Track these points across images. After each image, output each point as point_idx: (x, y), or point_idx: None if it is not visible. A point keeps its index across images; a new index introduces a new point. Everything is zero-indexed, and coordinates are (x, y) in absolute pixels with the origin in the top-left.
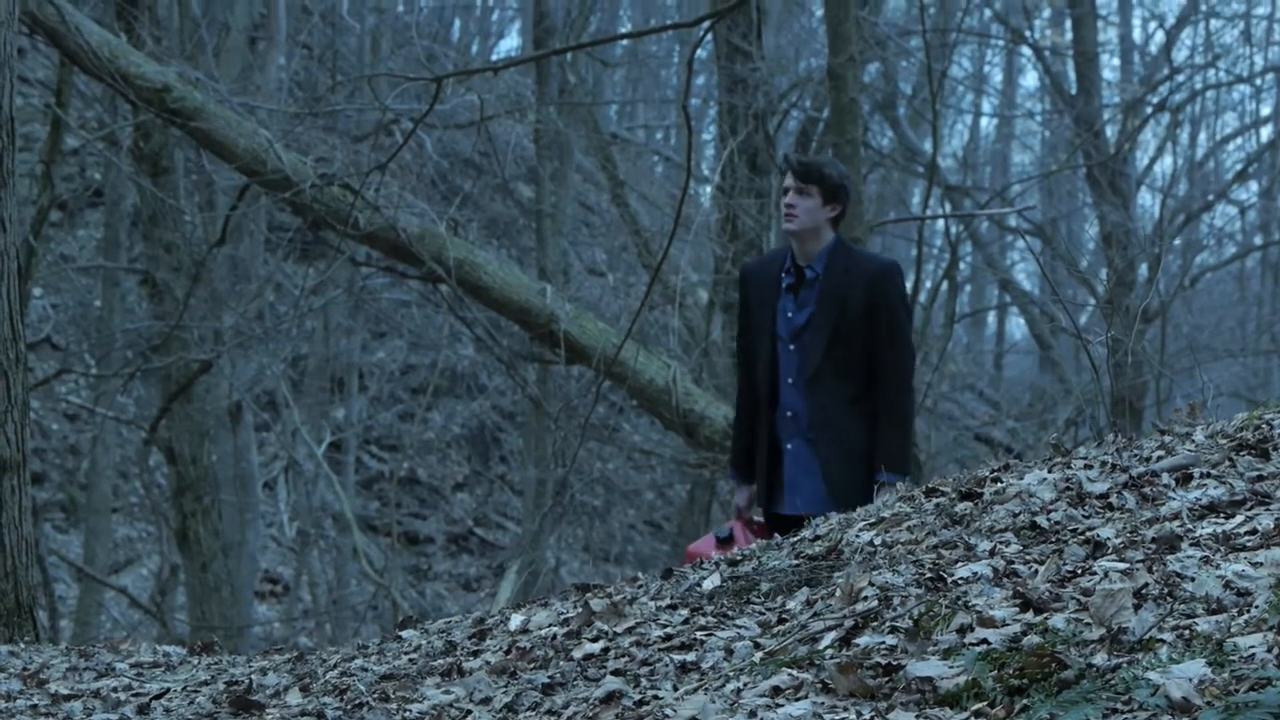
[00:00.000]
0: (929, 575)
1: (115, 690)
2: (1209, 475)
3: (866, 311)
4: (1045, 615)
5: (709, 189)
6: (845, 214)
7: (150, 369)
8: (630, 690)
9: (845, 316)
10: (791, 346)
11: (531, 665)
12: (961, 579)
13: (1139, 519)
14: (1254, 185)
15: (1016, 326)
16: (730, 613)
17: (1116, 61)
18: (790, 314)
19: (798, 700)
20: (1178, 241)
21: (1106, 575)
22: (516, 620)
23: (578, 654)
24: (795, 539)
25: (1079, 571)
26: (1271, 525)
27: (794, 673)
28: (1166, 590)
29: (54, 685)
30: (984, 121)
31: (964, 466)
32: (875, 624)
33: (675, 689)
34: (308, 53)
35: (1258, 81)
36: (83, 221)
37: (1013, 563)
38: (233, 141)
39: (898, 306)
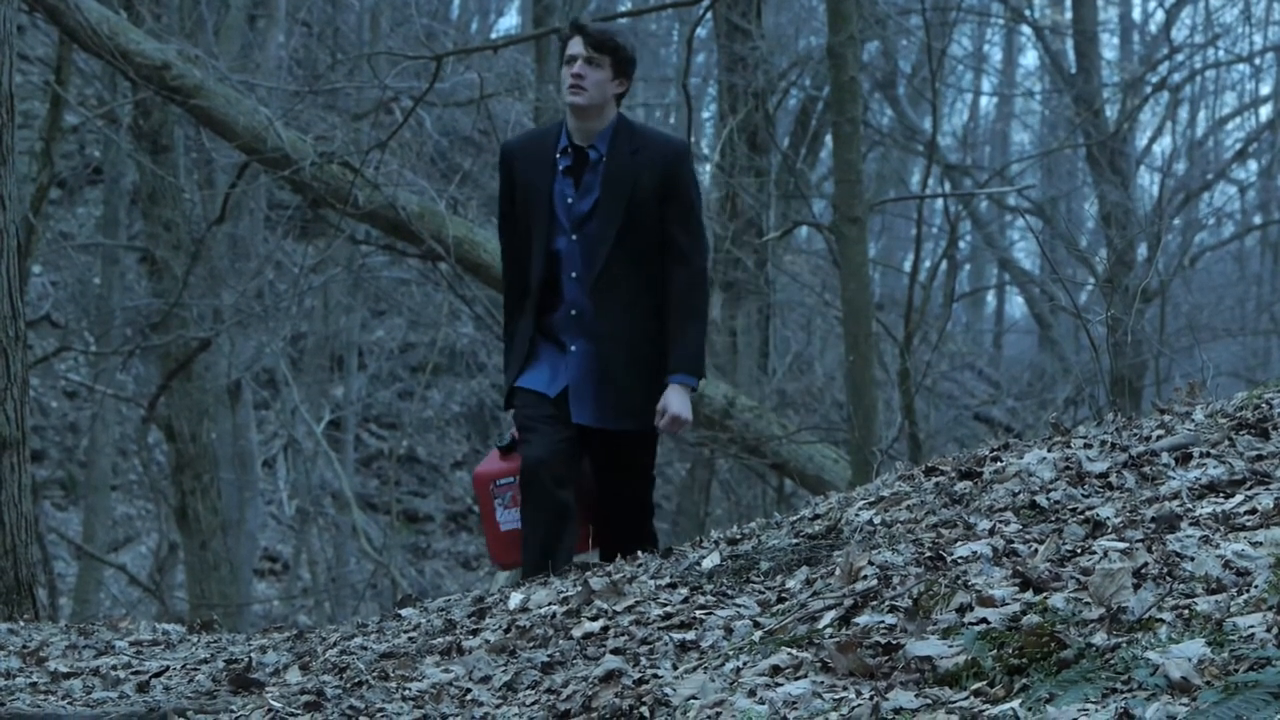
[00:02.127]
0: (928, 554)
1: (115, 668)
2: (1208, 455)
3: (659, 197)
4: (1045, 594)
5: (709, 167)
6: (628, 93)
7: (150, 347)
8: (630, 669)
9: (636, 202)
10: (574, 237)
11: (531, 644)
12: (961, 558)
13: (1138, 498)
14: (1253, 164)
15: (1016, 305)
16: (730, 591)
17: (1116, 40)
18: (570, 200)
19: (797, 679)
20: (1177, 221)
21: (1106, 555)
22: (516, 599)
23: (577, 633)
24: (794, 518)
25: (1078, 551)
26: (1271, 505)
27: (793, 652)
28: (1166, 570)
29: (53, 663)
30: (984, 100)
31: (963, 446)
32: (875, 603)
33: (675, 668)
34: (307, 30)
35: (1257, 61)
36: (82, 199)
37: (1012, 542)
38: (232, 119)
39: (693, 192)
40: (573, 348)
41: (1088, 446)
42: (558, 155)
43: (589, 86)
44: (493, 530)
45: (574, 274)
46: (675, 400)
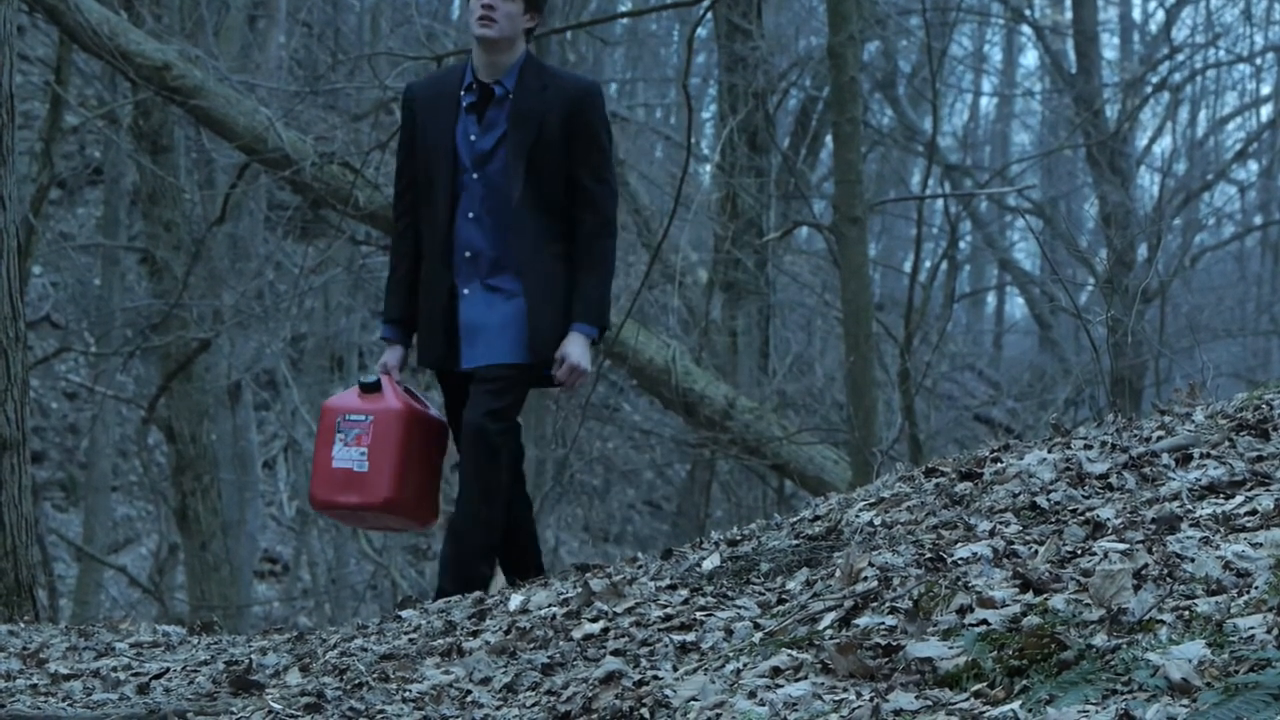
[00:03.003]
0: (929, 556)
1: (115, 670)
2: (1209, 456)
3: (567, 136)
4: (1045, 596)
5: (709, 168)
6: (538, 28)
7: (150, 347)
8: (630, 670)
9: (543, 140)
10: (475, 175)
11: (531, 645)
12: (961, 559)
13: (1139, 499)
14: (1254, 165)
15: (1016, 306)
16: (730, 593)
17: (1116, 40)
18: (474, 137)
19: (797, 681)
20: (1177, 221)
21: (1106, 556)
22: (516, 600)
23: (577, 634)
24: (794, 519)
25: (1079, 552)
26: (1271, 506)
27: (794, 653)
28: (1166, 571)
29: (53, 664)
30: (984, 100)
31: (964, 446)
32: (875, 604)
33: (675, 669)
34: (308, 31)
35: (1258, 61)
36: (82, 199)
37: (1012, 543)
38: (233, 120)
39: (604, 135)
40: (466, 291)
41: (1088, 447)
42: (462, 92)
43: (499, 18)
44: (323, 463)
45: (470, 214)
46: (574, 348)
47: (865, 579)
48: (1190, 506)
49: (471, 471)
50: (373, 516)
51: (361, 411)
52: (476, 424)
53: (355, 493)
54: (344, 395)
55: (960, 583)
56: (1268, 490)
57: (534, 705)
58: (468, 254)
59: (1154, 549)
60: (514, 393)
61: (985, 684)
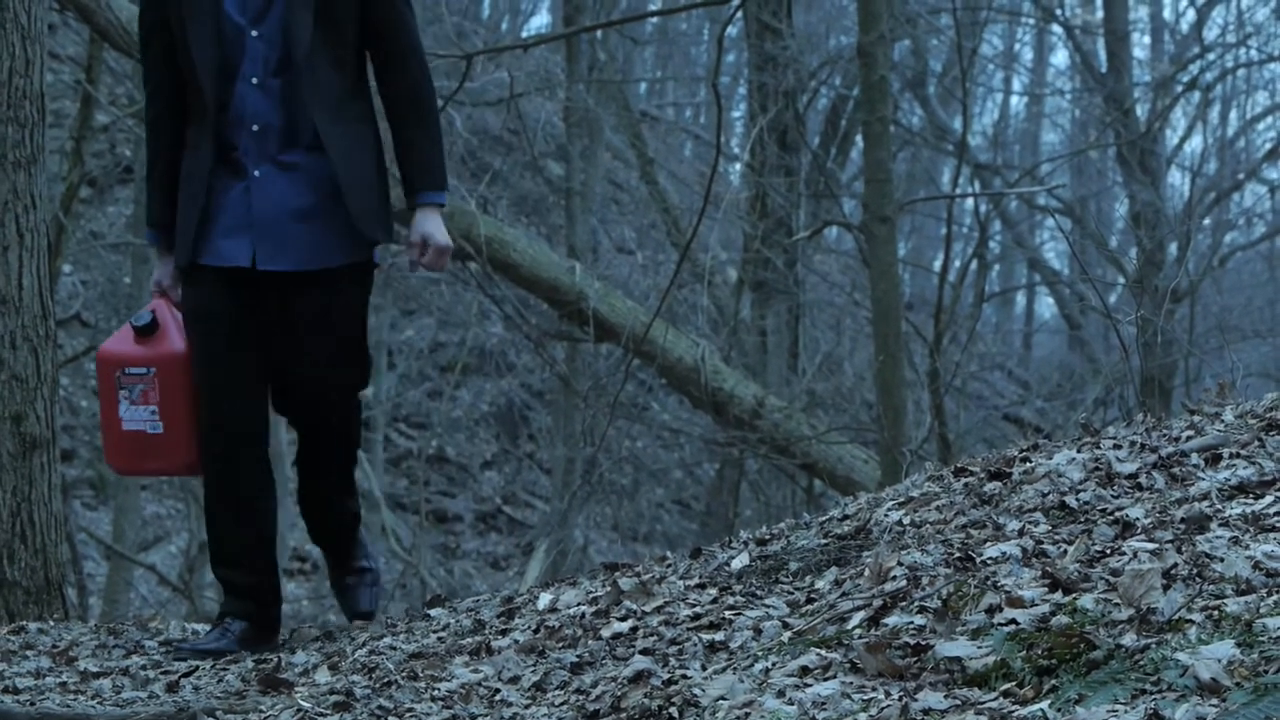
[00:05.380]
0: (958, 555)
1: (144, 668)
2: (1238, 455)
3: None
4: (1074, 595)
5: (739, 167)
6: None
7: None
8: (659, 669)
9: None
10: (255, 33)
11: (560, 644)
12: (990, 559)
13: (1168, 499)
14: None
15: (1046, 306)
16: (759, 592)
17: (1147, 40)
18: None
19: (826, 680)
20: (1207, 221)
21: (1135, 555)
22: (545, 599)
23: (606, 633)
24: (823, 518)
25: (1108, 552)
26: None
27: (822, 652)
28: (1195, 571)
29: (83, 662)
30: (1014, 100)
31: (993, 446)
32: (904, 604)
33: (703, 668)
34: None
35: None
36: (113, 198)
37: (1041, 543)
38: None
39: None
40: (256, 173)
41: (1117, 447)
42: None
43: None
44: (112, 428)
45: (254, 79)
46: (430, 224)
47: (894, 578)
48: (1219, 506)
49: (325, 433)
50: (167, 478)
51: (142, 362)
52: (322, 378)
53: (155, 459)
54: (119, 339)
55: (989, 582)
56: None
57: (563, 704)
58: (255, 128)
59: (1183, 549)
60: (355, 310)
61: (1014, 683)
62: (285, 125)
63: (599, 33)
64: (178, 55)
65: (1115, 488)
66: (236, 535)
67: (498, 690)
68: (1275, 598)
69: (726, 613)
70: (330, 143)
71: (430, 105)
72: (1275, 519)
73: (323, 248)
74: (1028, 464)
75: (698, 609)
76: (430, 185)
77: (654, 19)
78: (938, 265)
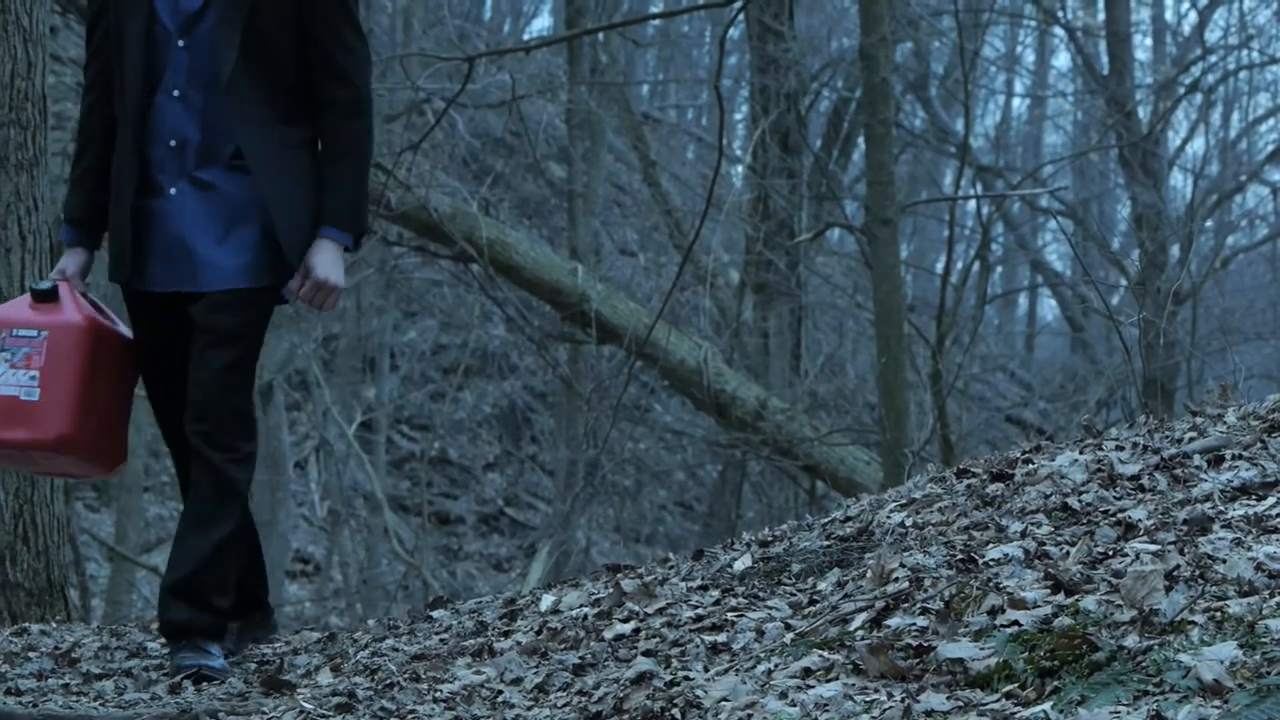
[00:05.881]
0: (960, 557)
1: (147, 669)
2: (1241, 457)
3: None
4: (1076, 597)
5: (741, 169)
6: None
7: None
8: (661, 671)
9: None
10: (181, 43)
11: (562, 646)
12: (993, 560)
13: (1170, 501)
14: None
15: (1048, 308)
16: (761, 594)
17: (1149, 42)
18: None
19: (828, 681)
20: (1210, 223)
21: (1138, 557)
22: (547, 601)
23: (609, 635)
24: (826, 520)
25: (1110, 553)
26: None
27: (825, 654)
28: (1198, 572)
29: (85, 664)
30: (1016, 102)
31: (995, 448)
32: (906, 605)
33: (706, 670)
34: None
35: None
36: None
37: (1044, 544)
38: None
39: None
40: (172, 190)
41: (1120, 449)
42: None
43: None
44: None
45: (176, 92)
46: (322, 260)
47: (896, 580)
48: (1222, 508)
49: (205, 472)
50: (44, 458)
51: (33, 325)
52: (208, 403)
53: (22, 427)
54: (12, 304)
55: (992, 584)
56: None
57: (565, 706)
58: (173, 143)
59: (1186, 550)
60: (250, 335)
61: (1017, 685)
62: (203, 141)
63: (601, 35)
64: (110, 54)
65: (1118, 489)
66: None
67: (500, 691)
68: (1278, 599)
69: (729, 614)
70: (255, 162)
71: (362, 138)
72: (1277, 520)
73: (228, 270)
74: (1030, 465)
75: (700, 610)
76: (337, 222)
77: (656, 21)
78: (940, 267)
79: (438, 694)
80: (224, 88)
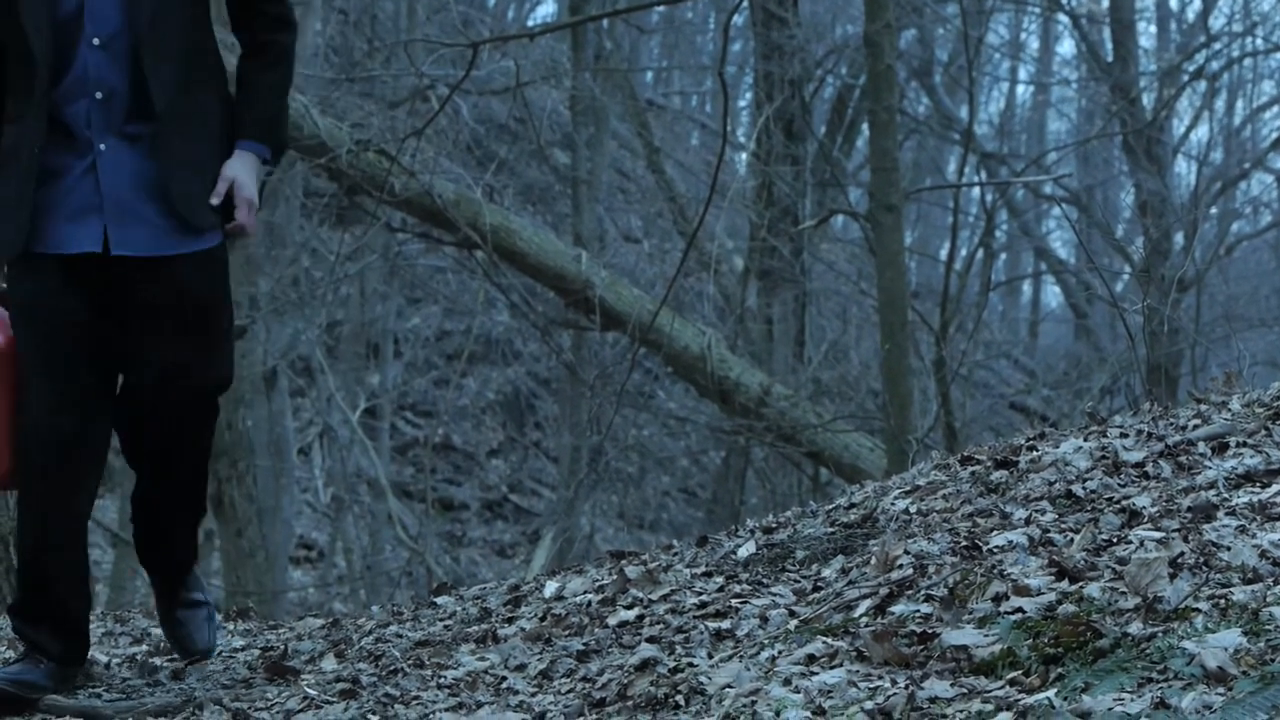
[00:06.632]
0: (964, 544)
1: (150, 655)
2: (1245, 444)
3: None
4: (1080, 584)
5: (745, 155)
6: None
7: None
8: (665, 658)
9: None
10: None
11: (566, 632)
12: (997, 547)
13: (1175, 488)
14: None
15: (1052, 295)
16: (765, 580)
17: (1153, 29)
18: None
19: (832, 668)
20: (1214, 210)
21: (1142, 544)
22: (551, 587)
23: (612, 621)
24: (830, 507)
25: (1114, 540)
26: None
27: (829, 640)
28: (1202, 559)
29: (90, 651)
30: (1020, 89)
31: (999, 435)
32: (910, 592)
33: (710, 656)
34: (344, 18)
35: None
36: None
37: (1048, 531)
38: None
39: None
40: (102, 146)
41: (1124, 436)
42: None
43: None
44: None
45: (96, 40)
46: (239, 167)
47: (900, 567)
48: (1226, 495)
49: (175, 445)
50: None
51: None
52: (173, 380)
53: None
54: None
55: (996, 570)
56: None
57: (569, 692)
58: (98, 95)
59: (1190, 537)
60: (217, 298)
61: (1020, 672)
62: (133, 91)
63: (605, 21)
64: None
65: (1122, 476)
66: (49, 566)
67: (504, 678)
68: None
69: (733, 601)
70: (173, 111)
71: (286, 53)
72: None
73: (179, 229)
74: (1034, 452)
75: (704, 597)
76: (256, 135)
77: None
78: (944, 254)
79: (441, 680)
80: (148, 27)
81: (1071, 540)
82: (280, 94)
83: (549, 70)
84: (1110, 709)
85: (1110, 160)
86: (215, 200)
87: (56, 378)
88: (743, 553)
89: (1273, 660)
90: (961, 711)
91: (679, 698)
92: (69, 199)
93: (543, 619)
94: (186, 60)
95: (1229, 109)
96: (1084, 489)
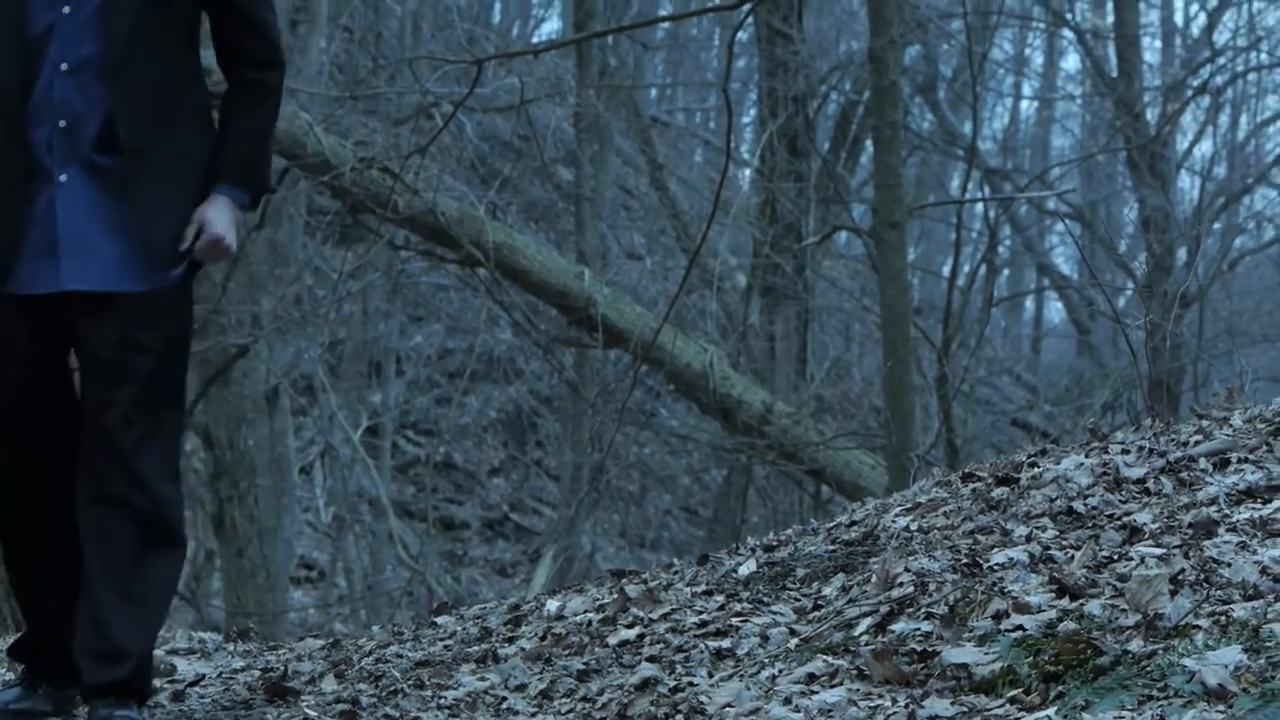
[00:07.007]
0: (965, 561)
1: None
2: (1246, 460)
3: None
4: (1081, 601)
5: (748, 172)
6: None
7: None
8: (665, 677)
9: None
10: (67, 9)
11: (567, 651)
12: (998, 565)
13: (1176, 504)
14: None
15: (1054, 310)
16: (766, 599)
17: (1158, 44)
18: None
19: (833, 687)
20: (1217, 225)
21: (1143, 561)
22: (552, 606)
23: (613, 640)
24: (831, 524)
25: (1115, 557)
26: None
27: (829, 659)
28: (1203, 576)
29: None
30: (1024, 104)
31: (1001, 451)
32: (911, 610)
33: (710, 675)
34: (349, 35)
35: None
36: None
37: (1049, 548)
38: None
39: None
40: (63, 177)
41: (1125, 452)
42: None
43: None
44: None
45: (64, 65)
46: (216, 215)
47: (901, 584)
48: (1227, 511)
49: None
50: None
51: None
52: (116, 429)
53: None
54: None
55: (996, 588)
56: None
57: (569, 712)
58: (63, 123)
59: (1191, 554)
60: (171, 345)
61: (1021, 690)
62: (101, 121)
63: (610, 38)
64: None
65: (1123, 493)
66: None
67: (504, 698)
68: None
69: (733, 620)
70: (145, 143)
71: (273, 93)
72: None
73: (135, 267)
74: (1035, 469)
75: (704, 616)
76: (235, 181)
77: (665, 24)
78: (947, 270)
79: (442, 700)
80: (121, 56)
81: (1072, 557)
82: (264, 136)
83: (553, 87)
84: None
85: (1114, 175)
86: (183, 247)
87: (6, 411)
88: (743, 571)
89: (1273, 677)
90: None
91: (679, 717)
92: (33, 236)
93: (543, 638)
94: (164, 90)
95: (1233, 124)
96: (1085, 505)
